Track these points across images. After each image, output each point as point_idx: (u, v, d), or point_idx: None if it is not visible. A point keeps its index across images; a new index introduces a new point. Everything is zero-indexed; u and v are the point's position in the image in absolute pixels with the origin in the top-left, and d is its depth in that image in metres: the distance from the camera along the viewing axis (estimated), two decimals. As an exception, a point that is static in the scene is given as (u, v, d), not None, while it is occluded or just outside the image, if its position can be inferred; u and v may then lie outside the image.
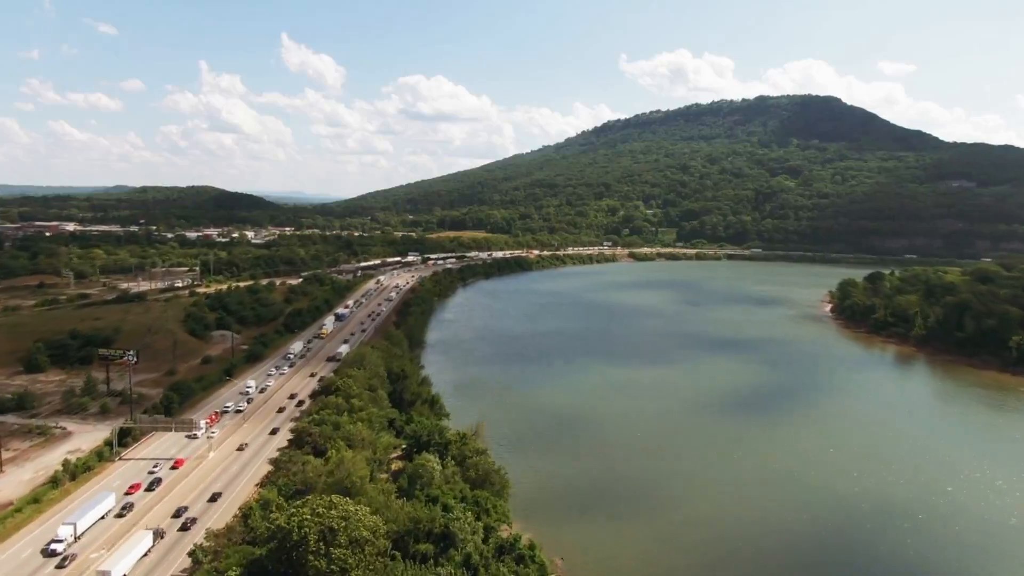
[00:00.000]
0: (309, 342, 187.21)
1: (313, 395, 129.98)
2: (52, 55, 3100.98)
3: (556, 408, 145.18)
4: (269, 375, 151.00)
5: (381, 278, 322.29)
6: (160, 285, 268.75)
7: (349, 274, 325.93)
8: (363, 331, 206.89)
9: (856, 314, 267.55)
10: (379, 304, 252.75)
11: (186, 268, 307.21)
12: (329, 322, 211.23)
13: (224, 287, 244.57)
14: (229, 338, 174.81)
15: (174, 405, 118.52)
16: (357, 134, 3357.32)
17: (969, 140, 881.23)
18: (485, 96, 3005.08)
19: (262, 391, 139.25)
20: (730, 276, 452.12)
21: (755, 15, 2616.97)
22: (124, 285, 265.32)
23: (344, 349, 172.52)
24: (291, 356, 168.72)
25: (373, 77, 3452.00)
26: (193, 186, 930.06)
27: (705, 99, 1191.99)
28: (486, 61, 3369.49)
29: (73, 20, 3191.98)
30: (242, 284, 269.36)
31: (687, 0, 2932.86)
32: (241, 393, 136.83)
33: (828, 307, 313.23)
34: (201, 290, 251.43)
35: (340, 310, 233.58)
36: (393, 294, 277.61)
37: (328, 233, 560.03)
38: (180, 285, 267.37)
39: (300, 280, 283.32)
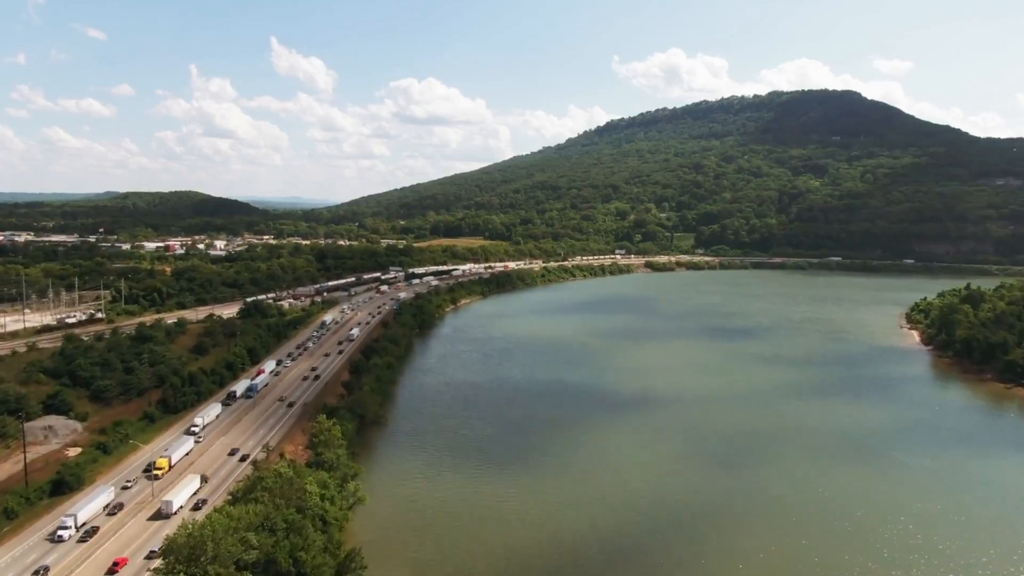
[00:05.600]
0: (146, 471, 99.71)
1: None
2: (41, 61, 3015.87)
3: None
4: None
5: (328, 315, 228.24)
6: (47, 320, 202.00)
7: (307, 298, 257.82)
8: (271, 426, 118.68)
9: (972, 351, 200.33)
10: (325, 356, 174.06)
11: (96, 293, 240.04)
12: (204, 418, 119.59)
13: (110, 328, 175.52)
14: (56, 431, 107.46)
15: None
16: (353, 138, 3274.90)
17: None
18: (480, 99, 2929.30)
19: None
20: (770, 291, 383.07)
21: (749, 15, 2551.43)
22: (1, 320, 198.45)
23: (178, 506, 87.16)
24: (64, 533, 79.92)
25: (365, 81, 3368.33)
26: (176, 191, 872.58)
27: (700, 99, 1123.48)
28: (479, 64, 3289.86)
29: (61, 25, 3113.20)
30: (158, 316, 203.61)
31: (679, 1, 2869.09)
32: None
33: (916, 336, 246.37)
34: (97, 327, 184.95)
35: (242, 383, 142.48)
36: (355, 330, 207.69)
37: (304, 243, 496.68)
38: (72, 320, 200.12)
39: (237, 311, 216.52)
